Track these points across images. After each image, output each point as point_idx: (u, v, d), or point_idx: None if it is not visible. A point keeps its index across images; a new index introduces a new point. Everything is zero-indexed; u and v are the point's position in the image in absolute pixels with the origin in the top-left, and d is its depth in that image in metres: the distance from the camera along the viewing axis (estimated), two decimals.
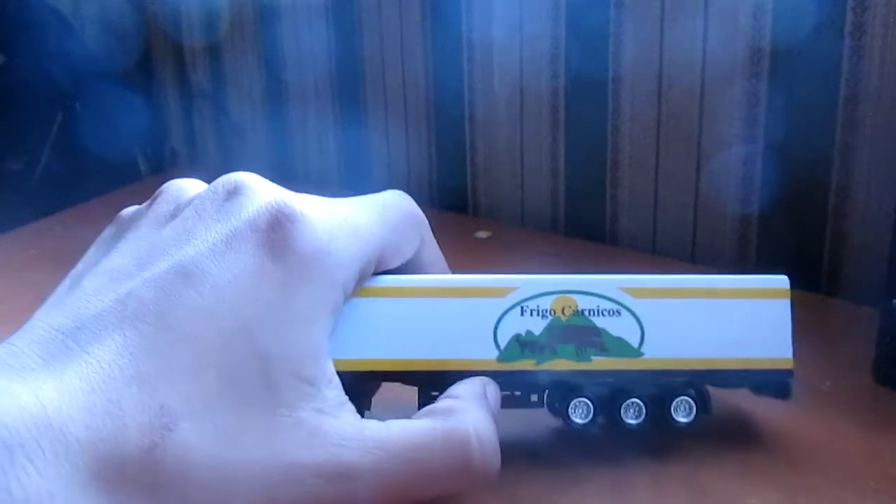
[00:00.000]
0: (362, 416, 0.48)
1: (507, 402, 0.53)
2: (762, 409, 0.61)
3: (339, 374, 0.46)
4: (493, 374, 0.52)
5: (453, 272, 0.59)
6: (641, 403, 0.54)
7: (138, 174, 1.59)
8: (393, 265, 0.52)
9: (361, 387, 0.51)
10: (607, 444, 0.58)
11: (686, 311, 0.53)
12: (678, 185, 0.99)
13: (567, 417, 0.54)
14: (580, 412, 0.54)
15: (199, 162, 1.69)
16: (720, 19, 0.91)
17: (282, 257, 0.42)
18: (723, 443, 0.57)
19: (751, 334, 0.55)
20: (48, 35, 1.43)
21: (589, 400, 0.53)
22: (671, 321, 0.53)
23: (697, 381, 0.55)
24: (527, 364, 0.52)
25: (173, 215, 0.48)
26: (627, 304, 0.52)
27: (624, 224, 1.05)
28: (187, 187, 0.51)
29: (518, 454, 0.56)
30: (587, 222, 1.08)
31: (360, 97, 1.35)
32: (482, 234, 1.08)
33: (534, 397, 0.55)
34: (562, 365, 0.52)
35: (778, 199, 0.90)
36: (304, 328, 0.41)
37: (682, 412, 0.55)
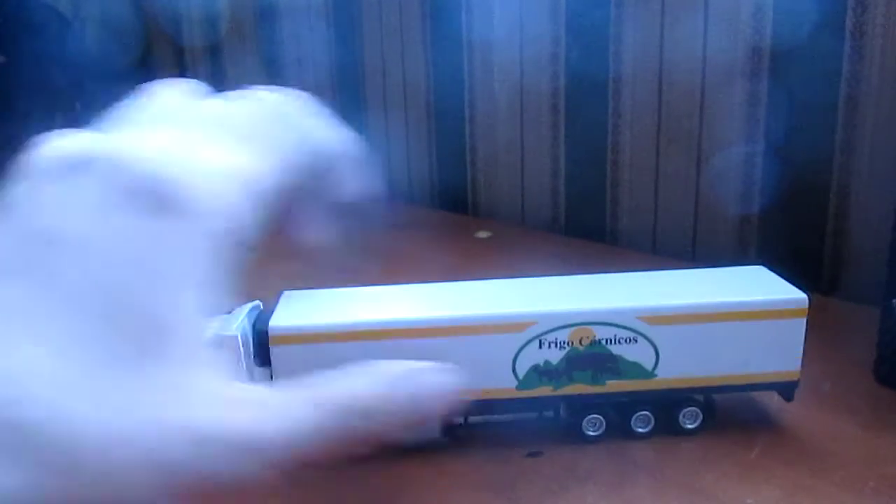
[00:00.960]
0: None
1: (523, 422, 0.57)
2: (762, 409, 0.61)
3: None
4: (512, 401, 0.55)
5: (456, 272, 0.60)
6: (650, 415, 0.57)
7: None
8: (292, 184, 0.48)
9: None
10: (607, 443, 0.58)
11: (702, 335, 0.55)
12: (678, 185, 0.99)
13: (581, 431, 0.57)
14: (592, 426, 0.57)
15: None
16: (720, 20, 0.91)
17: (139, 211, 0.40)
18: (723, 443, 0.57)
19: (764, 351, 0.56)
20: (48, 36, 1.43)
21: (601, 415, 0.57)
22: (686, 344, 0.55)
23: (706, 393, 0.57)
24: (544, 390, 0.55)
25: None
26: (643, 331, 0.54)
27: (624, 224, 1.05)
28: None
29: (518, 454, 0.57)
30: (587, 222, 1.08)
31: (359, 98, 1.35)
32: (483, 234, 1.08)
33: (548, 413, 0.58)
34: (578, 389, 0.55)
35: (778, 199, 0.90)
36: (165, 283, 0.39)
37: (689, 420, 0.58)
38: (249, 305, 0.54)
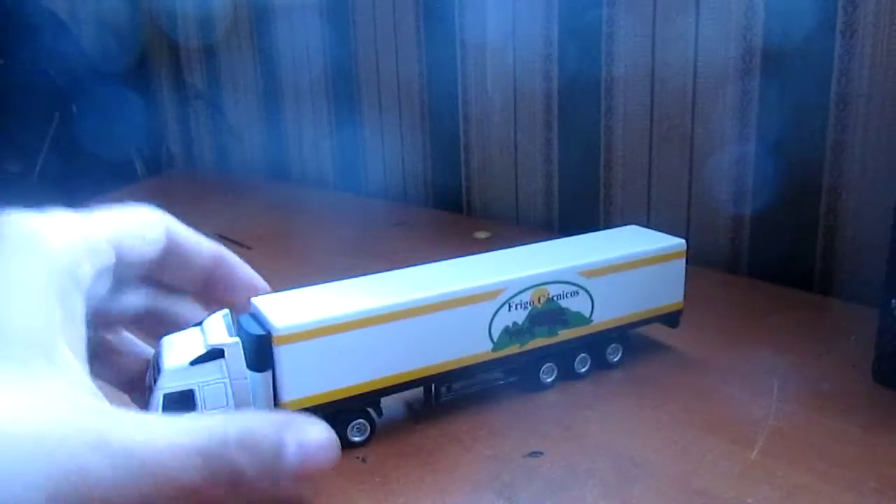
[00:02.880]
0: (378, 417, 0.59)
1: (496, 388, 0.65)
2: (762, 409, 0.62)
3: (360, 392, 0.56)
4: (488, 363, 0.62)
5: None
6: (587, 356, 0.68)
7: (135, 175, 1.59)
8: (139, 249, 0.49)
9: (374, 398, 0.59)
10: (607, 443, 0.58)
11: (621, 282, 0.67)
12: (671, 185, 1.00)
13: (538, 380, 0.66)
14: (547, 374, 0.66)
15: (195, 163, 1.69)
16: (712, 19, 0.92)
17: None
18: (723, 443, 0.57)
19: (660, 289, 0.70)
20: (45, 38, 1.43)
21: (553, 363, 0.66)
22: (611, 292, 0.67)
23: (625, 331, 0.70)
24: (513, 349, 0.63)
25: None
26: (583, 284, 0.65)
27: (617, 223, 1.05)
28: None
29: (518, 454, 0.57)
30: (581, 222, 1.09)
31: (355, 98, 1.35)
32: (481, 235, 1.08)
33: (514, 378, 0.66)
34: (538, 343, 0.64)
35: (770, 198, 0.91)
36: (23, 301, 0.41)
37: (613, 354, 0.70)
38: (219, 314, 0.54)
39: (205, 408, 0.51)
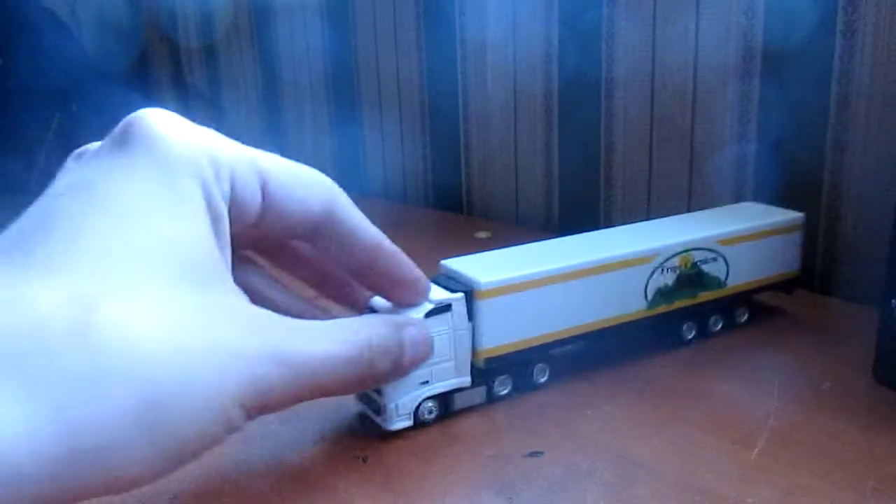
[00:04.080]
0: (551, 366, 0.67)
1: (652, 344, 0.72)
2: (762, 409, 0.62)
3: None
4: (642, 320, 0.70)
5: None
6: (720, 316, 0.75)
7: None
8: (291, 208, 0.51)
9: (542, 354, 0.66)
10: (607, 443, 0.58)
11: (750, 250, 0.74)
12: (671, 185, 1.00)
13: (679, 337, 0.73)
14: (687, 330, 0.73)
15: None
16: (712, 19, 0.92)
17: (127, 150, 0.43)
18: (722, 443, 0.57)
19: (780, 258, 0.77)
20: (45, 37, 1.43)
21: (694, 321, 0.73)
22: (743, 258, 0.74)
23: (751, 294, 0.76)
24: (662, 308, 0.70)
25: None
26: (721, 251, 0.72)
27: (617, 223, 1.05)
28: None
29: (518, 454, 0.57)
30: (581, 222, 1.09)
31: (355, 97, 1.35)
32: (482, 235, 1.09)
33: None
34: (683, 303, 0.72)
35: (770, 197, 0.91)
36: (173, 213, 0.42)
37: (740, 316, 0.77)
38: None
39: (433, 355, 0.58)
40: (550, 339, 0.65)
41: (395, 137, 1.31)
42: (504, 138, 1.16)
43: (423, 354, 0.56)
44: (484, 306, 0.61)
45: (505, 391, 0.64)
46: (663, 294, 0.70)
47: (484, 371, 0.62)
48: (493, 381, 0.64)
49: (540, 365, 0.66)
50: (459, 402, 0.62)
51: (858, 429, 0.59)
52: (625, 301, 0.68)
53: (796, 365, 0.69)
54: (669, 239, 0.70)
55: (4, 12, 1.38)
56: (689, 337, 0.73)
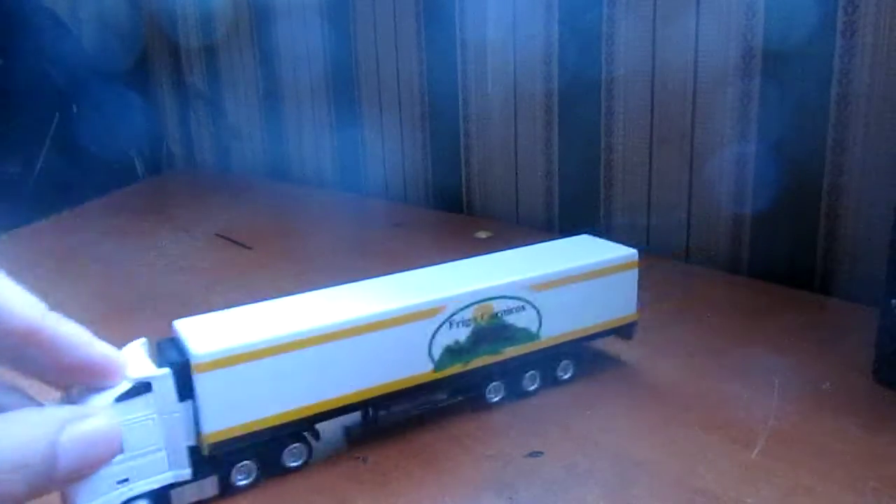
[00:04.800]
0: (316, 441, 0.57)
1: (438, 410, 0.62)
2: (762, 409, 0.62)
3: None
4: (430, 384, 0.60)
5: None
6: (537, 373, 0.65)
7: (135, 175, 1.59)
8: None
9: (308, 424, 0.57)
10: (607, 443, 0.58)
11: (571, 295, 0.64)
12: (671, 185, 1.00)
13: (485, 399, 0.63)
14: (494, 392, 0.64)
15: (195, 163, 1.69)
16: (712, 20, 0.92)
17: None
18: (723, 443, 0.57)
19: (612, 301, 0.68)
20: (46, 38, 1.43)
21: (501, 380, 0.64)
22: (560, 306, 0.64)
23: (576, 346, 0.67)
24: (456, 368, 0.60)
25: None
26: (530, 298, 0.62)
27: (618, 223, 1.05)
28: None
29: (518, 454, 0.57)
30: (581, 222, 1.08)
31: (355, 98, 1.35)
32: (482, 235, 1.09)
33: (459, 398, 0.63)
34: (483, 361, 0.62)
35: (771, 198, 0.91)
36: None
37: (563, 371, 0.67)
38: (137, 343, 0.50)
39: (132, 447, 0.47)
40: (302, 415, 0.55)
41: (395, 137, 1.31)
42: (504, 138, 1.16)
43: (100, 456, 0.41)
44: (205, 381, 0.51)
45: (246, 480, 0.55)
46: (455, 353, 0.60)
47: (214, 459, 0.53)
48: (230, 469, 0.54)
49: (293, 446, 0.56)
50: (179, 499, 0.52)
51: (858, 429, 0.59)
52: (405, 363, 0.59)
53: (796, 365, 0.69)
54: (460, 287, 0.60)
55: (4, 12, 1.38)
56: (495, 399, 0.64)
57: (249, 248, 1.05)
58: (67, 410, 0.41)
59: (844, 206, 0.87)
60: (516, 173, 1.16)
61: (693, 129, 0.96)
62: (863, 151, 0.84)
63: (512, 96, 1.14)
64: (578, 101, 1.07)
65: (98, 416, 0.42)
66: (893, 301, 0.63)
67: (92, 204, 1.29)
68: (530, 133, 1.13)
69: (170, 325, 0.54)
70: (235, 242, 1.07)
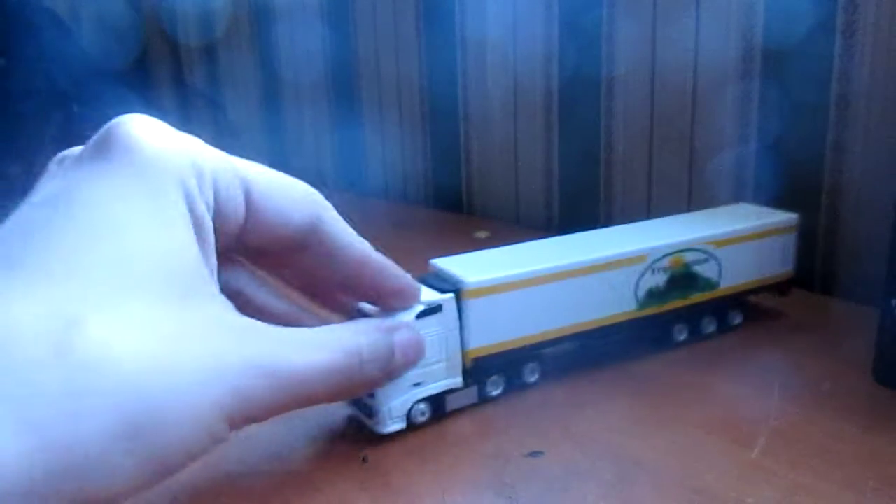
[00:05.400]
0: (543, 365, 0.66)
1: (643, 344, 0.72)
2: (762, 409, 0.62)
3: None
4: (633, 321, 0.69)
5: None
6: (714, 318, 0.74)
7: None
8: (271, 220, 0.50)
9: (532, 354, 0.66)
10: (607, 443, 0.58)
11: (744, 251, 0.74)
12: (671, 185, 1.00)
13: (671, 338, 0.73)
14: (678, 332, 0.73)
15: None
16: (712, 19, 0.92)
17: (107, 157, 0.42)
18: (722, 443, 0.57)
19: (774, 259, 0.77)
20: (46, 38, 1.43)
21: (685, 322, 0.73)
22: (735, 260, 0.73)
23: (745, 296, 0.76)
24: (653, 309, 0.70)
25: None
26: (713, 252, 0.72)
27: (617, 223, 1.05)
28: None
29: (518, 454, 0.57)
30: (581, 221, 1.09)
31: (355, 97, 1.35)
32: (482, 234, 1.09)
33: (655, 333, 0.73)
34: (675, 304, 0.71)
35: (770, 198, 0.91)
36: (155, 223, 0.41)
37: (735, 318, 0.76)
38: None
39: (425, 357, 0.57)
40: (539, 340, 0.65)
41: (395, 137, 1.31)
42: (504, 138, 1.16)
43: (414, 358, 0.56)
44: (471, 306, 0.61)
45: (496, 392, 0.64)
46: (654, 295, 0.70)
47: (474, 371, 0.62)
48: (485, 382, 0.63)
49: (530, 365, 0.66)
50: (451, 403, 0.61)
51: (858, 429, 0.59)
52: (615, 302, 0.68)
53: (796, 365, 0.69)
54: (660, 240, 0.70)
55: (4, 12, 1.38)
56: (681, 339, 0.73)
57: None
58: (394, 321, 0.55)
59: (844, 205, 0.87)
60: (516, 173, 1.16)
61: (693, 129, 0.96)
62: (863, 151, 0.84)
63: (512, 96, 1.14)
64: (578, 101, 1.07)
65: (412, 326, 0.56)
66: (893, 301, 0.63)
67: None
68: (530, 133, 1.13)
69: None
70: None
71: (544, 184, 1.13)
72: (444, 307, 0.59)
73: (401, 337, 0.54)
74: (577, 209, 1.10)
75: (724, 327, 0.75)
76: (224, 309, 0.44)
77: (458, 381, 0.61)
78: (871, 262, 0.83)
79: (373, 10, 1.27)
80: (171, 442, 0.38)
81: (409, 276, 0.57)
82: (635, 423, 0.60)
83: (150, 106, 1.67)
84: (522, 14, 1.10)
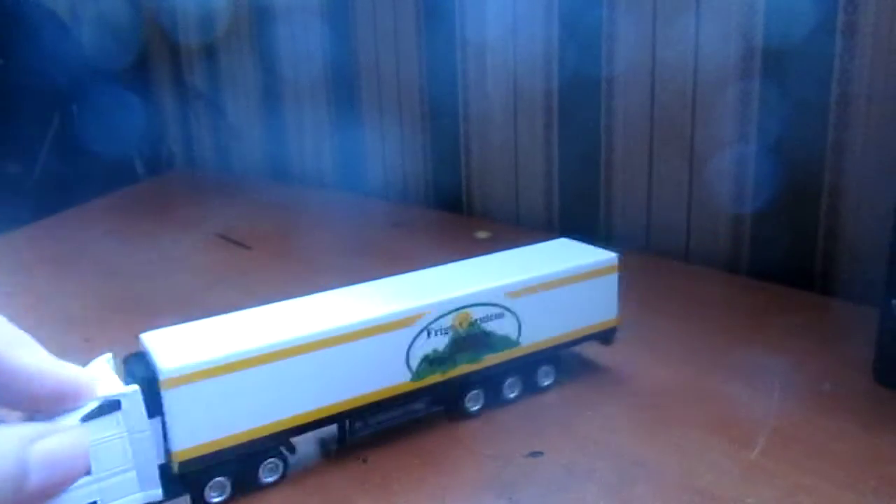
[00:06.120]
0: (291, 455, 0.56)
1: (418, 420, 0.61)
2: (762, 409, 0.62)
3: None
4: (408, 394, 0.58)
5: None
6: (518, 379, 0.64)
7: (135, 175, 1.59)
8: None
9: (283, 439, 0.55)
10: (607, 443, 0.58)
11: (550, 300, 0.63)
12: (671, 185, 1.00)
13: (464, 409, 0.62)
14: (474, 401, 0.63)
15: (195, 163, 1.70)
16: (712, 20, 0.92)
17: None
18: (722, 443, 0.57)
19: (592, 306, 0.67)
20: (46, 38, 1.43)
21: (480, 389, 0.62)
22: (539, 312, 0.63)
23: (556, 352, 0.66)
24: (435, 377, 0.59)
25: None
26: (509, 305, 0.61)
27: (617, 223, 1.05)
28: None
29: (518, 454, 0.57)
30: (581, 222, 1.09)
31: (355, 98, 1.35)
32: (482, 235, 1.09)
33: (438, 408, 0.62)
34: (462, 370, 0.61)
35: (771, 198, 0.91)
36: None
37: (545, 377, 0.66)
38: (102, 358, 0.49)
39: (100, 468, 0.45)
40: (276, 430, 0.54)
41: (395, 137, 1.31)
42: (504, 138, 1.16)
43: (68, 474, 0.42)
44: (173, 397, 0.50)
45: (220, 498, 0.54)
46: (433, 362, 0.59)
47: (184, 477, 0.52)
48: (204, 487, 0.53)
49: (269, 461, 0.55)
50: None
51: (858, 429, 0.59)
52: (381, 374, 0.57)
53: (796, 365, 0.69)
54: (438, 295, 0.59)
55: (4, 12, 1.39)
56: (475, 408, 0.63)
57: (249, 248, 1.05)
58: (34, 427, 0.41)
59: (844, 206, 0.87)
60: (516, 173, 1.16)
61: (693, 129, 0.96)
62: (863, 151, 0.84)
63: (512, 96, 1.14)
64: (578, 101, 1.07)
65: (67, 432, 0.42)
66: (893, 301, 0.63)
67: (92, 204, 1.29)
68: (530, 133, 1.13)
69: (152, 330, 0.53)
70: (235, 242, 1.06)
71: (544, 184, 1.13)
72: (123, 404, 0.46)
73: (43, 448, 0.40)
74: (577, 209, 1.10)
75: (533, 388, 0.65)
76: None
77: (156, 493, 0.48)
78: (871, 262, 0.83)
79: (373, 10, 1.27)
80: None
81: (73, 368, 0.44)
82: (635, 424, 0.61)
83: (150, 106, 1.67)
84: (522, 14, 1.10)
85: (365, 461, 0.57)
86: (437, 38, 1.20)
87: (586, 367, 0.69)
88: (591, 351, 0.70)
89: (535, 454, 0.57)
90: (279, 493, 0.54)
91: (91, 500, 0.44)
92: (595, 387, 0.66)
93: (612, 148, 1.05)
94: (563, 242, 0.70)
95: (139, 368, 0.50)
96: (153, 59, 1.68)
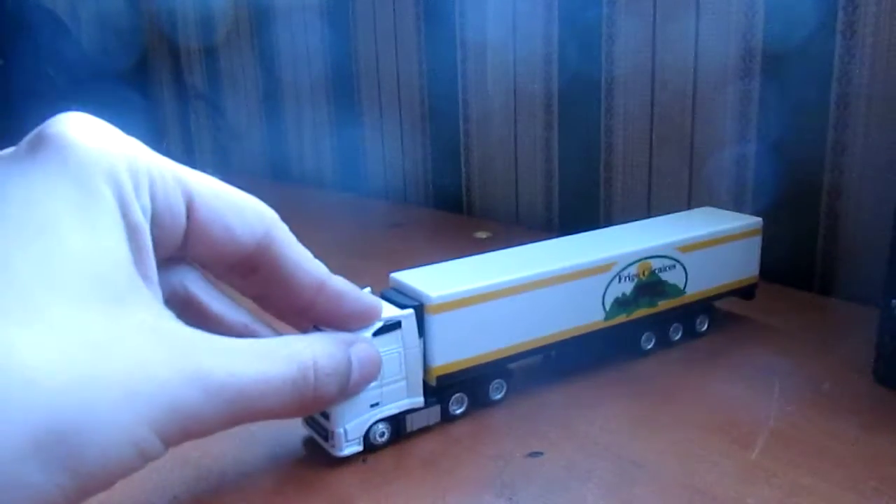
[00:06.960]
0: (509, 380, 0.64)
1: (609, 355, 0.71)
2: (761, 409, 0.62)
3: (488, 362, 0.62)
4: (599, 331, 0.67)
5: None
6: (680, 324, 0.73)
7: None
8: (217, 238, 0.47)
9: (497, 370, 0.64)
10: (607, 443, 0.58)
11: (709, 256, 0.73)
12: (671, 185, 1.00)
13: (639, 346, 0.71)
14: (648, 341, 0.72)
15: (195, 163, 1.69)
16: (712, 19, 0.92)
17: (40, 155, 0.40)
18: (723, 443, 0.57)
19: (740, 264, 0.76)
20: (45, 38, 1.43)
21: (653, 330, 0.72)
22: (701, 265, 0.73)
23: (710, 302, 0.75)
24: (621, 318, 0.69)
25: None
26: (679, 258, 0.71)
27: (618, 223, 1.05)
28: None
29: (518, 454, 0.57)
30: (581, 221, 1.09)
31: (355, 98, 1.35)
32: (482, 235, 1.09)
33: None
34: (642, 312, 0.70)
35: (770, 198, 0.91)
36: (84, 224, 0.39)
37: (701, 324, 0.75)
38: (366, 289, 0.57)
39: (383, 375, 0.55)
40: (505, 354, 0.63)
41: (395, 137, 1.31)
42: (504, 138, 1.16)
43: (371, 375, 0.54)
44: (435, 322, 0.59)
45: (460, 410, 0.62)
46: (621, 304, 0.68)
47: (436, 390, 0.60)
48: (448, 400, 0.61)
49: (496, 381, 0.64)
50: (412, 423, 0.59)
51: (859, 429, 0.59)
52: (582, 312, 0.67)
53: (796, 365, 0.69)
54: (627, 247, 0.68)
55: (4, 12, 1.38)
56: (648, 347, 0.72)
57: None
58: (350, 336, 0.53)
59: (844, 206, 0.87)
60: (516, 173, 1.16)
61: (693, 129, 0.96)
62: (863, 151, 0.84)
63: (512, 96, 1.14)
64: (578, 101, 1.07)
65: (369, 342, 0.54)
66: (893, 301, 0.63)
67: None
68: (530, 133, 1.13)
69: None
70: None
71: (544, 184, 1.13)
72: (403, 324, 0.56)
73: (359, 351, 0.52)
74: (577, 209, 1.10)
75: (691, 334, 0.75)
76: (159, 316, 0.40)
77: (419, 400, 0.59)
78: (871, 262, 0.83)
79: (373, 10, 1.27)
80: (92, 458, 0.35)
81: (369, 296, 0.55)
82: (635, 424, 0.60)
83: (150, 106, 1.67)
84: (522, 14, 1.10)
85: (365, 461, 0.57)
86: (437, 38, 1.20)
87: (587, 367, 0.69)
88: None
89: (535, 454, 0.57)
90: (279, 493, 0.54)
91: (374, 402, 0.56)
92: (595, 387, 0.66)
93: (612, 148, 1.05)
94: (710, 210, 0.81)
95: (400, 298, 0.59)
96: (153, 59, 1.68)
